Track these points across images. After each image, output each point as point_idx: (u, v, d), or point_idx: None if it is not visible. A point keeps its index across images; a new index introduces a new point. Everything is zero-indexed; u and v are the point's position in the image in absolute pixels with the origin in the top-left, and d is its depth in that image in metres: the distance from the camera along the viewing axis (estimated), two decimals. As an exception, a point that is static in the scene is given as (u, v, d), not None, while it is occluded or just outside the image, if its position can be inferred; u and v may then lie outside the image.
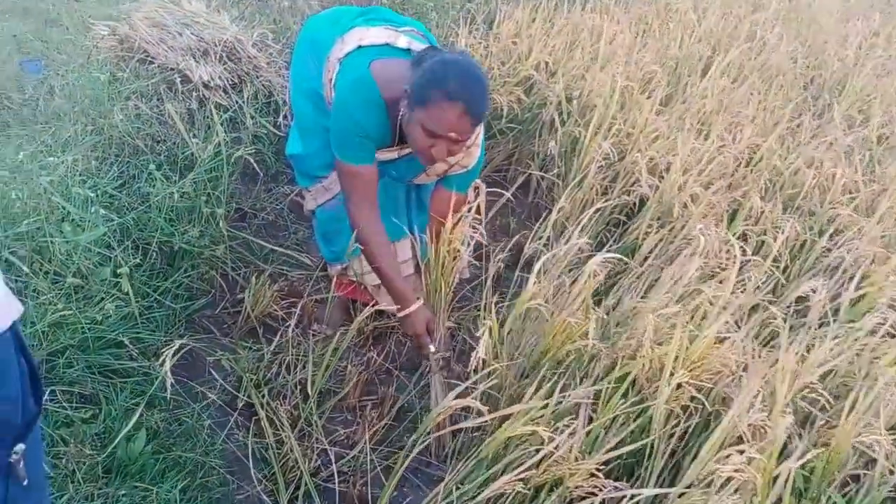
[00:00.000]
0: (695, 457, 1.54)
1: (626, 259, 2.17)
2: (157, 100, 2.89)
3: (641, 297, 2.01)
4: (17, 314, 0.83)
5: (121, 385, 2.00)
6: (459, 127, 1.81)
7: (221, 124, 2.73)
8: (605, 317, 1.72)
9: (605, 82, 3.06)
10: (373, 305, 2.43)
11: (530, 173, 3.36)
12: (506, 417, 1.82)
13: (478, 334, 2.17)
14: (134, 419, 1.77)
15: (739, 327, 1.86)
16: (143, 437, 1.90)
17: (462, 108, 1.78)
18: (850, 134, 3.26)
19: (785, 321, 1.90)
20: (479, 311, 2.81)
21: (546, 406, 1.59)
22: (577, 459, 1.54)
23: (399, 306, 2.15)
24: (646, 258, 2.38)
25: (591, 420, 1.64)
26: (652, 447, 1.61)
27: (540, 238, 2.42)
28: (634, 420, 1.61)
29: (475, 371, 1.66)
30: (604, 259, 1.96)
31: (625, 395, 1.65)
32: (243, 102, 3.00)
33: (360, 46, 2.01)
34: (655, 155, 2.61)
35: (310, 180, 2.39)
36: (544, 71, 3.57)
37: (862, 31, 4.75)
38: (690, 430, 1.67)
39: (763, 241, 2.39)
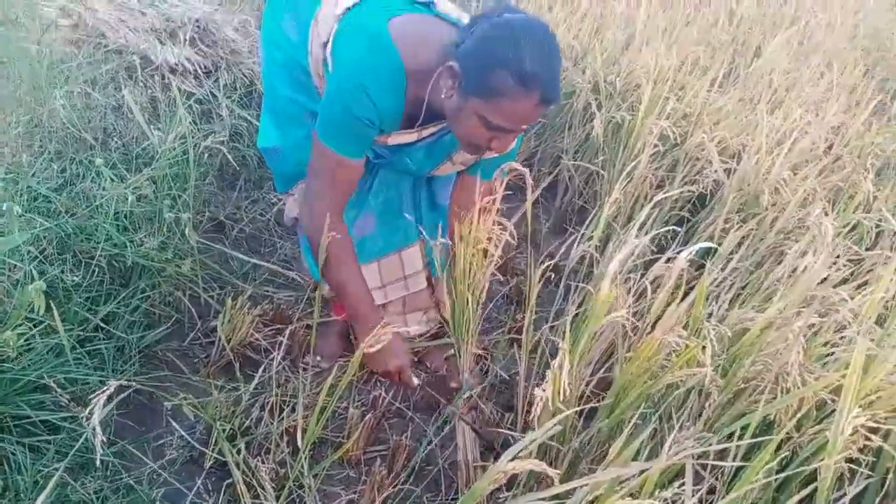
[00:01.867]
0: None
1: (713, 247, 1.65)
2: (114, 88, 2.39)
3: (744, 307, 1.49)
4: None
5: (40, 445, 1.47)
6: (532, 117, 1.38)
7: (191, 114, 2.24)
8: (726, 332, 1.20)
9: (648, 62, 2.57)
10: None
11: (559, 171, 2.87)
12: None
13: (511, 370, 1.65)
14: (49, 488, 1.21)
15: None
16: (66, 518, 1.36)
17: (538, 97, 1.32)
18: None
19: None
20: (511, 333, 2.29)
21: (641, 468, 1.05)
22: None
23: (361, 335, 1.65)
24: (727, 260, 1.86)
25: (711, 490, 1.12)
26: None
27: (590, 239, 1.91)
28: (779, 487, 1.08)
29: (536, 420, 1.14)
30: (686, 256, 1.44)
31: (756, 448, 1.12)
32: (218, 91, 2.51)
33: None
34: (725, 136, 2.11)
35: (289, 181, 1.88)
36: (569, 58, 3.10)
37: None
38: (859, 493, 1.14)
39: (880, 232, 1.88)
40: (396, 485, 1.72)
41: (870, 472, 1.13)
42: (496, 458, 1.89)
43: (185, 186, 2.17)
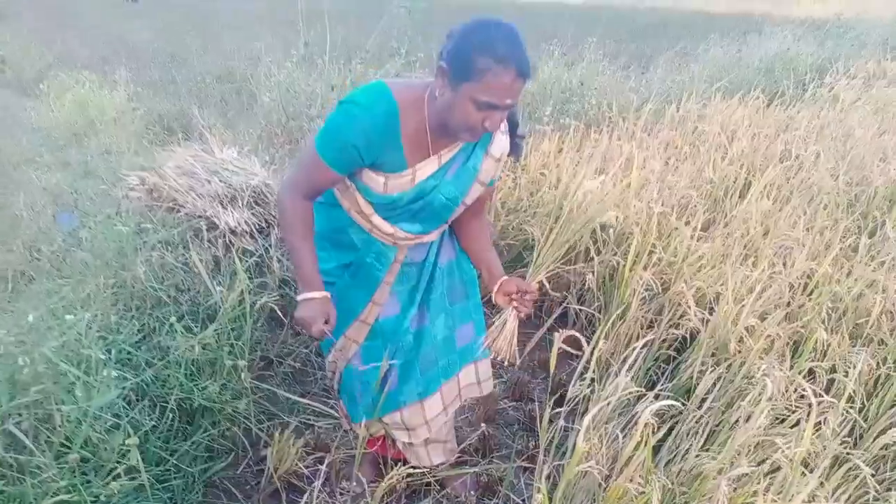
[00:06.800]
0: None
1: (681, 403, 1.96)
2: (183, 248, 2.84)
3: (704, 448, 1.78)
4: None
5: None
6: (514, 91, 1.67)
7: (246, 270, 2.65)
8: (670, 484, 1.49)
9: (640, 209, 2.94)
10: (404, 462, 2.22)
11: (566, 305, 3.21)
12: None
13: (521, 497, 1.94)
14: None
15: (822, 483, 1.61)
16: None
17: (515, 71, 1.63)
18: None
19: (874, 475, 1.64)
20: (518, 459, 2.57)
21: None
22: None
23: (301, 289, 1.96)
24: (703, 400, 2.16)
25: None
26: None
27: (583, 379, 2.23)
28: None
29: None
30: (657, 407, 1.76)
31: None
32: (269, 246, 2.94)
33: None
34: (702, 285, 2.44)
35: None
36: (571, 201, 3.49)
37: (900, 144, 4.62)
38: None
39: (833, 379, 2.16)
40: None
41: None
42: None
43: (241, 334, 2.56)
